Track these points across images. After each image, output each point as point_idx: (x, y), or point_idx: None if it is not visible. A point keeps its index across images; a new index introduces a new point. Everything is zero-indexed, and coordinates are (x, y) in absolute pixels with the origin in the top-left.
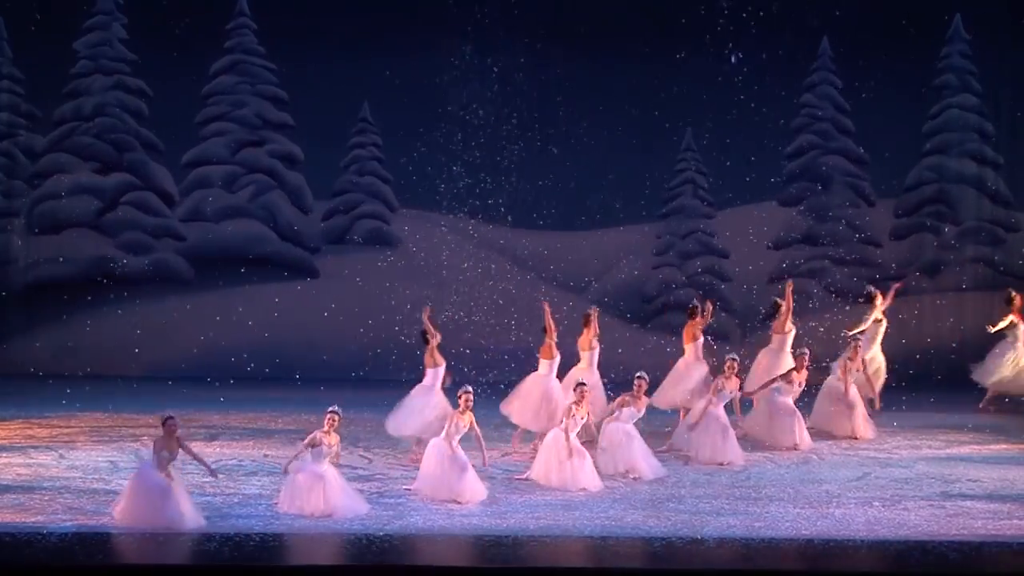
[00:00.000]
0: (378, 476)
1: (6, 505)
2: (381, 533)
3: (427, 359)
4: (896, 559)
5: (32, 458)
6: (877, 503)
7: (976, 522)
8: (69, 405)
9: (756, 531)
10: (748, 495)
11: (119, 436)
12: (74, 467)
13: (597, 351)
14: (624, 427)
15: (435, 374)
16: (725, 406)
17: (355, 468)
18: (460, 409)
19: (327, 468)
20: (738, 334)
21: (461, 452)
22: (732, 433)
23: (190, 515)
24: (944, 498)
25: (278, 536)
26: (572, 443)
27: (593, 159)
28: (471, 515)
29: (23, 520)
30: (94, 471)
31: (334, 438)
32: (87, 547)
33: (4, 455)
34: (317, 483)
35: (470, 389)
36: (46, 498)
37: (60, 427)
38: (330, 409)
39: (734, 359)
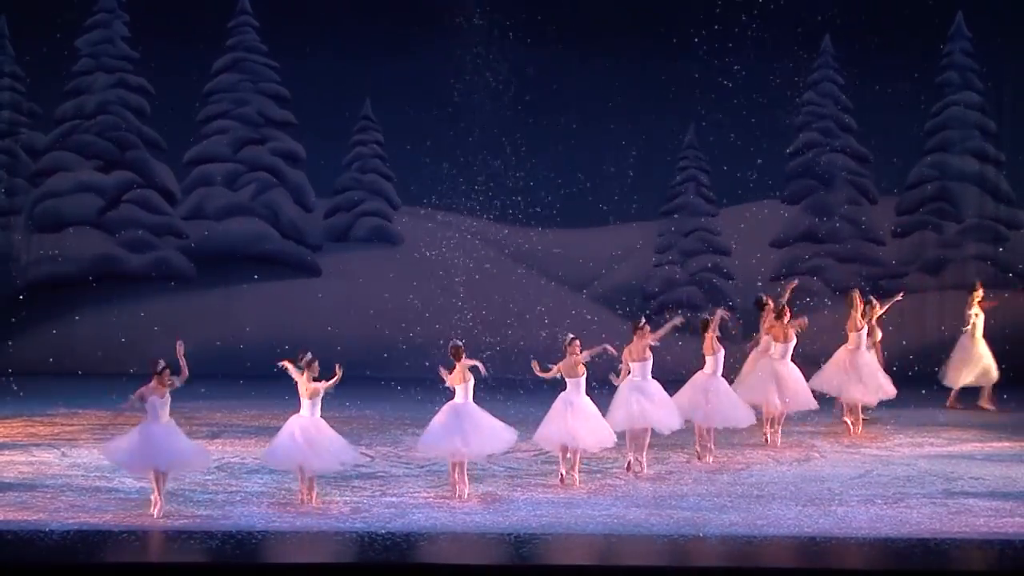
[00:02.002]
0: (380, 474)
1: (8, 503)
2: (383, 531)
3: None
4: (898, 557)
5: (34, 456)
6: (879, 501)
7: (979, 520)
8: (71, 403)
9: (758, 529)
10: (750, 493)
11: (121, 434)
12: (76, 465)
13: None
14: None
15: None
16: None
17: (357, 466)
18: (457, 367)
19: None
20: (740, 332)
21: (473, 408)
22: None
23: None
24: (946, 496)
25: (280, 534)
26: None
27: (595, 156)
28: (473, 512)
29: (25, 518)
30: (96, 469)
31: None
32: (89, 545)
33: (6, 453)
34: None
35: (458, 343)
36: (48, 496)
37: (62, 425)
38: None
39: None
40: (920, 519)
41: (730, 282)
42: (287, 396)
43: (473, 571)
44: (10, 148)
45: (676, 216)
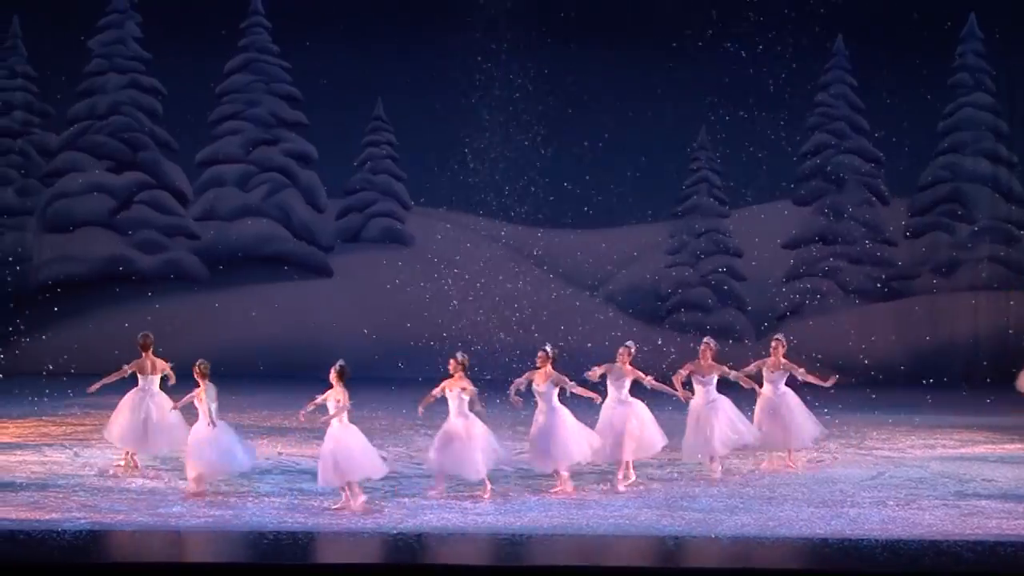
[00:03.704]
0: (392, 474)
1: (21, 503)
2: (395, 532)
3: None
4: (910, 559)
5: (46, 456)
6: (891, 502)
7: (991, 522)
8: (83, 403)
9: (770, 530)
10: (762, 494)
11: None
12: (88, 465)
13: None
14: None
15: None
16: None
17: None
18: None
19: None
20: (752, 333)
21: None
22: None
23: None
24: (958, 497)
25: (292, 534)
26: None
27: (607, 157)
28: (485, 513)
29: (38, 517)
30: (108, 469)
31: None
32: (101, 544)
33: (19, 453)
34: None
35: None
36: (60, 496)
37: (74, 425)
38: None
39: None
40: (932, 521)
41: (742, 283)
42: (297, 397)
43: (484, 572)
44: (23, 148)
45: (688, 217)
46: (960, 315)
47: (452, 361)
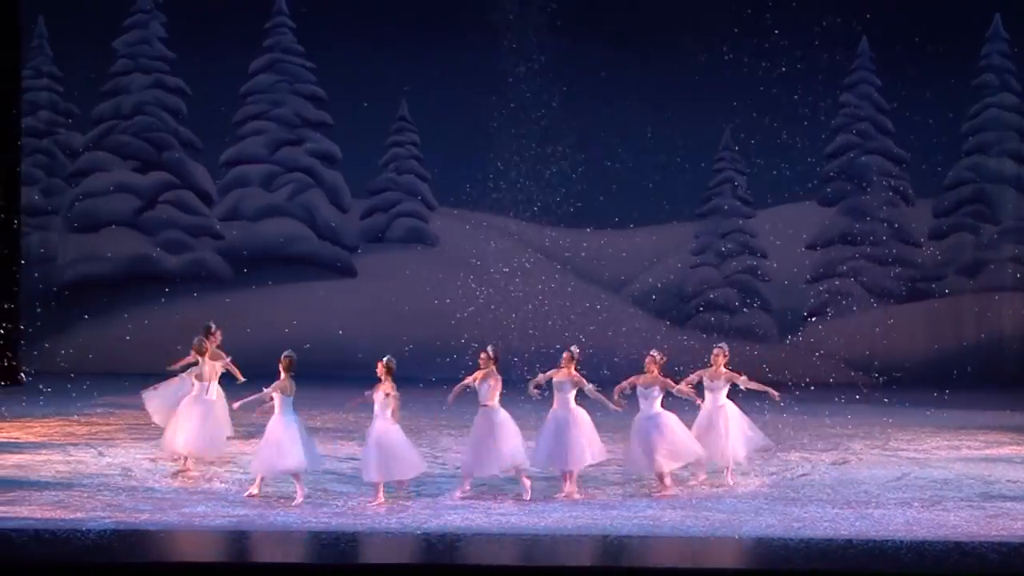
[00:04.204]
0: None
1: (46, 502)
2: (419, 532)
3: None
4: (935, 560)
5: (71, 455)
6: (916, 504)
7: (1016, 523)
8: (108, 402)
9: (794, 531)
10: (786, 495)
11: (157, 433)
12: (113, 464)
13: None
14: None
15: None
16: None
17: None
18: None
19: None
20: (776, 334)
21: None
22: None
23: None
24: (984, 499)
25: (316, 534)
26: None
27: (631, 158)
28: (509, 514)
29: (62, 516)
30: (133, 469)
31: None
32: (125, 544)
33: (44, 452)
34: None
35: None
36: (85, 495)
37: (99, 424)
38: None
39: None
40: (957, 522)
41: (766, 284)
42: (321, 397)
43: (508, 572)
44: (48, 148)
45: (713, 218)
46: (985, 316)
47: (380, 364)
